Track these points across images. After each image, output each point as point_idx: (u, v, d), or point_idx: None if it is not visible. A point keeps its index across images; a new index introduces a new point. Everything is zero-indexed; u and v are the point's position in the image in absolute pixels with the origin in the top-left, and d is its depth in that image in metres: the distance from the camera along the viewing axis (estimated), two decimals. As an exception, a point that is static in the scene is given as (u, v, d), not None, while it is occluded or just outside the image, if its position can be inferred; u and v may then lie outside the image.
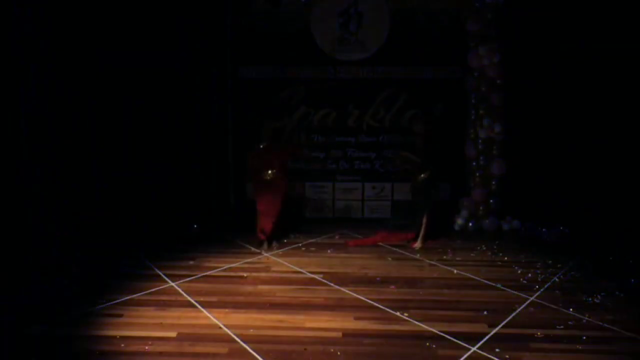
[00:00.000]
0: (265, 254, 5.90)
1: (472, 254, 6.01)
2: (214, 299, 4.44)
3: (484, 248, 6.26)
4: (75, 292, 4.56)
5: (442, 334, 3.77)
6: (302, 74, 7.78)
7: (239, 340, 3.64)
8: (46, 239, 5.38)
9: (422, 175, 6.20)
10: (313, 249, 6.23)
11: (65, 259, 5.30)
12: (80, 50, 6.03)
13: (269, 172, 6.11)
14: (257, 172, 6.18)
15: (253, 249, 6.08)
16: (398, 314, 4.15)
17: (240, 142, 7.70)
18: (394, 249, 6.19)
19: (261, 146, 6.19)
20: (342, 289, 4.74)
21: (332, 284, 4.87)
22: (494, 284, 4.89)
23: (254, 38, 7.66)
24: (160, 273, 5.12)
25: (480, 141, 7.26)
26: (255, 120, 6.98)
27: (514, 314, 4.15)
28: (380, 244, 6.45)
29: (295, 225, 7.08)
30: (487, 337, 3.71)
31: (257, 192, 6.28)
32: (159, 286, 4.75)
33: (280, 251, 6.06)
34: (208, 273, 5.19)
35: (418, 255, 5.93)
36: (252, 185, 6.47)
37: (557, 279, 5.05)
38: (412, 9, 7.60)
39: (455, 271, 5.32)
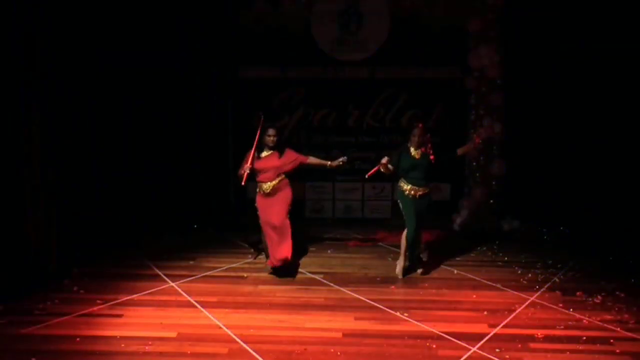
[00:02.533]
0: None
1: (472, 254, 6.01)
2: (214, 299, 4.44)
3: (484, 248, 6.26)
4: (75, 292, 4.55)
5: (442, 334, 3.76)
6: (302, 74, 7.76)
7: (239, 341, 3.63)
8: (46, 239, 5.37)
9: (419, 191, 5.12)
10: (313, 249, 6.22)
11: (66, 259, 5.30)
12: (80, 50, 6.04)
13: (269, 184, 5.16)
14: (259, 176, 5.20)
15: (253, 249, 6.07)
16: (398, 314, 4.14)
17: (240, 142, 7.68)
18: (394, 249, 6.18)
19: (262, 155, 5.21)
20: (342, 289, 4.74)
21: (332, 284, 4.87)
22: (494, 284, 4.89)
23: (254, 38, 7.64)
24: (160, 273, 5.12)
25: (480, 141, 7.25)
26: (254, 120, 6.93)
27: (514, 314, 4.15)
28: (380, 244, 6.45)
29: (296, 226, 7.05)
30: (487, 337, 3.70)
31: (260, 208, 5.22)
32: (159, 286, 4.75)
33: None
34: (208, 273, 5.19)
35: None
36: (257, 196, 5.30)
37: (557, 279, 5.05)
38: (412, 9, 7.58)
39: (455, 271, 5.32)
